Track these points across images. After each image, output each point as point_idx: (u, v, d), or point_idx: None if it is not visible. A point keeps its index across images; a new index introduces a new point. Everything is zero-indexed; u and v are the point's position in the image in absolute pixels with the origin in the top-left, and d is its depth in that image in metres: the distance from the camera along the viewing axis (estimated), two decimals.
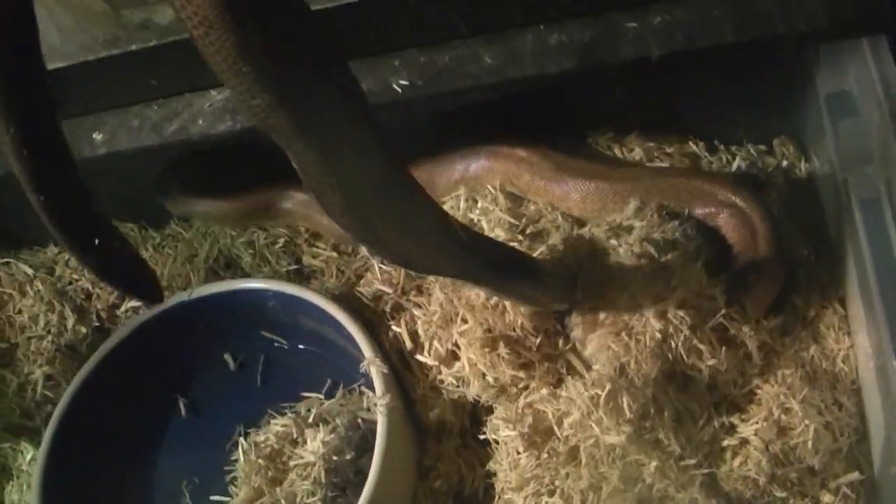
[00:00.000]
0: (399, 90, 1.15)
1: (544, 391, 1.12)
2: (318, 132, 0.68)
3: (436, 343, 1.17)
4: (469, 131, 1.30)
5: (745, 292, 1.12)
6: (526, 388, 1.14)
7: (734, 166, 1.30)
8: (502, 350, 1.12)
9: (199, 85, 1.23)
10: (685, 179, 1.21)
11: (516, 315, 1.13)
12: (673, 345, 1.06)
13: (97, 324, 1.47)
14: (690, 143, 1.31)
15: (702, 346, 1.07)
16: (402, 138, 1.23)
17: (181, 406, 1.36)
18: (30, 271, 1.52)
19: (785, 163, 1.30)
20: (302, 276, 1.37)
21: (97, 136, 1.27)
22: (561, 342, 1.14)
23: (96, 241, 0.86)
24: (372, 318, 1.24)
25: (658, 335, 1.05)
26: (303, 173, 0.72)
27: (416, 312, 1.21)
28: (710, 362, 1.07)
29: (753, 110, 1.30)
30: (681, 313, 1.06)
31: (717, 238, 1.18)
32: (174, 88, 1.24)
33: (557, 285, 1.10)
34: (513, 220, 1.22)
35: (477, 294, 1.13)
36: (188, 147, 1.23)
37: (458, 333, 1.15)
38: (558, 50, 1.12)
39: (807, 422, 1.07)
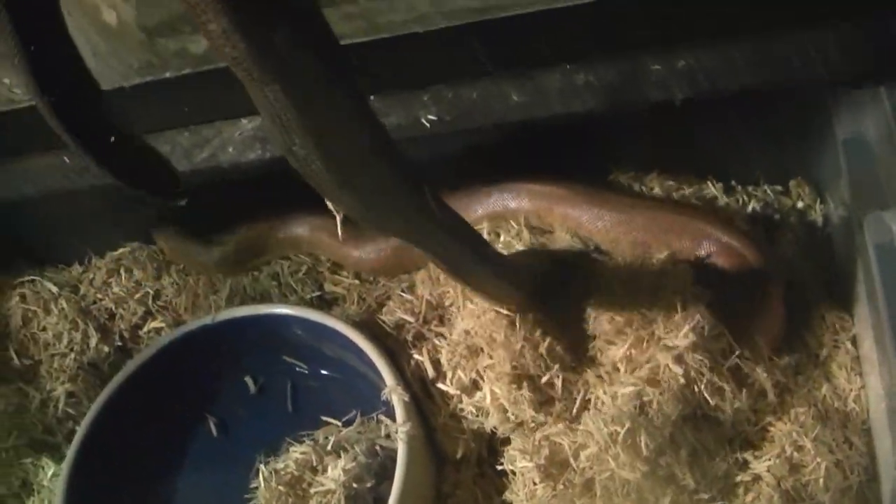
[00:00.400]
0: (427, 125, 1.17)
1: (561, 426, 1.14)
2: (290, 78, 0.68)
3: (459, 372, 1.19)
4: (494, 166, 1.32)
5: (753, 327, 1.14)
6: (543, 423, 1.16)
7: (750, 207, 1.32)
8: (525, 390, 1.14)
9: (230, 113, 1.26)
10: (690, 219, 1.24)
11: (540, 352, 1.15)
12: (696, 389, 1.08)
13: (119, 343, 1.49)
14: (708, 183, 1.34)
15: (725, 387, 1.09)
16: (429, 172, 1.26)
17: (211, 425, 1.38)
18: (54, 289, 1.54)
19: (800, 204, 1.33)
20: (324, 302, 1.40)
21: None
22: (581, 382, 1.16)
23: (111, 140, 0.84)
24: (394, 346, 1.26)
25: (682, 380, 1.08)
26: (273, 119, 0.72)
27: (438, 342, 1.23)
28: (736, 404, 1.09)
29: (771, 151, 1.33)
30: (698, 356, 1.08)
31: (719, 277, 1.21)
32: (205, 116, 1.27)
33: (519, 281, 1.11)
34: None
35: (502, 328, 1.15)
36: (218, 174, 1.25)
37: (484, 366, 1.17)
38: (585, 89, 1.15)
39: (818, 459, 1.09)
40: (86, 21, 1.18)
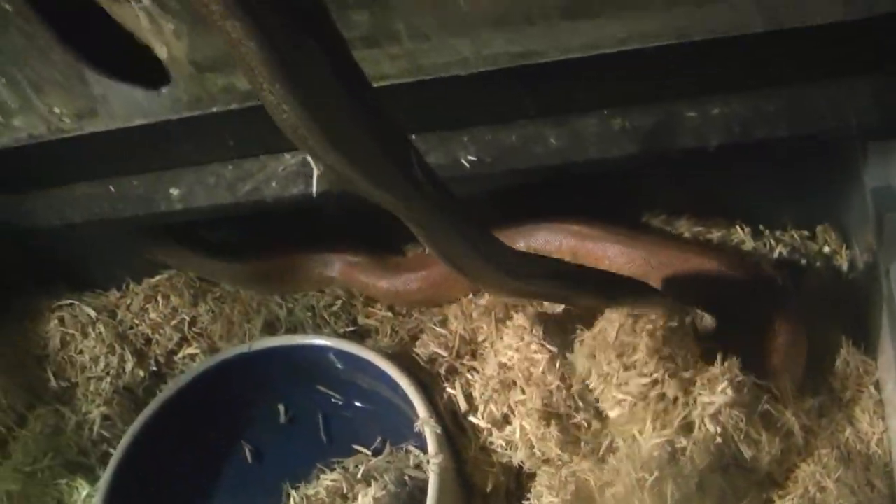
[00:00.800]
0: (467, 165, 1.20)
1: (588, 463, 1.17)
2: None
3: (491, 406, 1.21)
4: (530, 206, 1.35)
5: (777, 361, 1.17)
6: (569, 462, 1.18)
7: (777, 251, 1.35)
8: (554, 428, 1.16)
9: (274, 148, 1.29)
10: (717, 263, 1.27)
11: (571, 393, 1.17)
12: (732, 443, 1.10)
13: (154, 368, 1.53)
14: (737, 227, 1.36)
15: (760, 438, 1.11)
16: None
17: (247, 452, 1.40)
18: (92, 314, 1.57)
19: (827, 249, 1.36)
20: (357, 335, 1.42)
21: (174, 192, 1.33)
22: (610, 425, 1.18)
23: None
24: (426, 380, 1.28)
25: (718, 439, 1.09)
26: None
27: (470, 376, 1.26)
28: (772, 453, 1.11)
29: (799, 197, 1.36)
30: (735, 412, 1.10)
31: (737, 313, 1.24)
32: (250, 150, 1.30)
33: (525, 275, 1.04)
34: None
35: (536, 364, 1.18)
36: (261, 208, 1.28)
37: (516, 401, 1.19)
38: (621, 135, 1.18)
39: (840, 501, 1.11)
40: None
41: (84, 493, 1.42)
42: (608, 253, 1.31)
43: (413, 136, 1.25)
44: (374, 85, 1.15)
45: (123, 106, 1.29)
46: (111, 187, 1.38)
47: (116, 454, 1.33)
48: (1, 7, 1.24)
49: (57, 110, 1.33)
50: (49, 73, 1.29)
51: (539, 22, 1.14)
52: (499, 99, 1.20)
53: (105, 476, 1.31)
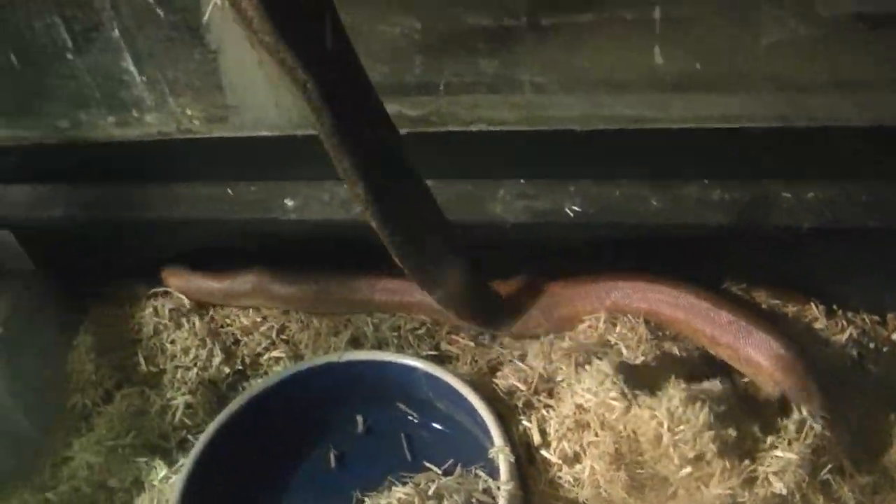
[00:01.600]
0: (570, 214, 1.27)
1: None
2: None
3: (564, 443, 1.27)
4: (618, 260, 1.41)
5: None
6: None
7: (847, 333, 1.40)
8: (623, 472, 1.21)
9: None
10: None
11: (643, 440, 1.23)
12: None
13: (240, 367, 1.59)
14: (812, 305, 1.42)
15: (815, 501, 1.16)
16: (560, 258, 1.36)
17: (331, 457, 1.45)
18: (188, 305, 1.65)
19: (895, 336, 1.41)
20: (438, 360, 1.47)
21: (289, 202, 1.40)
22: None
23: None
24: (503, 410, 1.34)
25: (780, 497, 1.15)
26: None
27: (546, 413, 1.32)
28: None
29: (874, 283, 1.40)
30: (801, 470, 1.16)
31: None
32: None
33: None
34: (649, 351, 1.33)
35: (612, 410, 1.24)
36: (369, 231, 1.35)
37: (588, 442, 1.25)
38: (718, 206, 1.24)
39: None
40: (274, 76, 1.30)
41: (161, 474, 1.46)
42: (682, 315, 1.36)
43: (521, 180, 1.32)
44: (491, 128, 1.25)
45: (253, 116, 1.38)
46: (229, 190, 1.46)
47: (200, 442, 1.38)
48: (153, 11, 1.33)
49: (189, 112, 1.42)
50: (189, 78, 1.38)
51: (654, 92, 1.21)
52: (608, 156, 1.26)
53: (188, 461, 1.37)
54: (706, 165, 1.26)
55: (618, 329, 1.37)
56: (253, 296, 1.60)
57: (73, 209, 1.55)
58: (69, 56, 1.42)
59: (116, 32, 1.37)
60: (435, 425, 1.44)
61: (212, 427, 1.40)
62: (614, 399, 1.24)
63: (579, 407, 1.28)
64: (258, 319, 1.62)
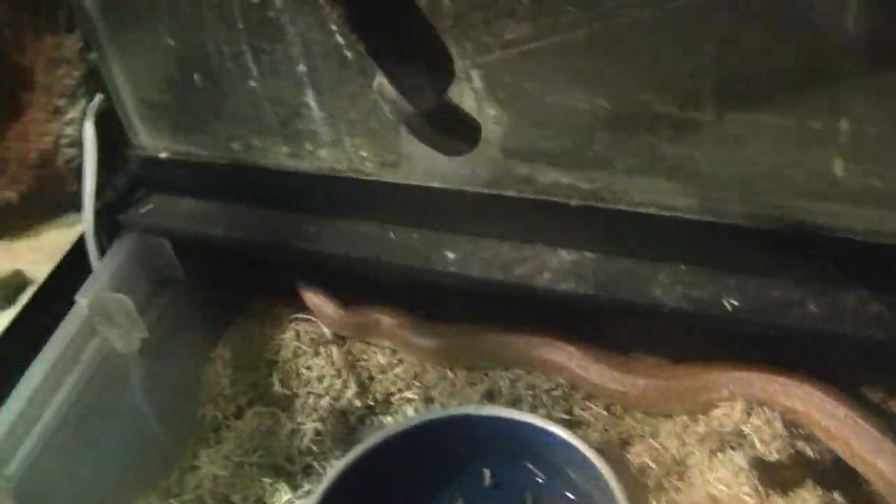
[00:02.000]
0: (728, 308, 1.28)
1: None
2: None
3: None
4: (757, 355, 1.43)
5: None
6: None
7: None
8: None
9: (551, 241, 1.39)
10: None
11: None
12: None
13: (371, 403, 1.63)
14: None
15: None
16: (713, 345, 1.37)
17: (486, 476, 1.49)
18: (328, 334, 1.70)
19: None
20: (569, 424, 1.49)
21: (450, 255, 1.43)
22: None
23: None
24: (633, 487, 1.36)
25: None
26: None
27: (675, 495, 1.34)
28: None
29: None
30: None
31: None
32: (528, 236, 1.40)
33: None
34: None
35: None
36: (528, 294, 1.38)
37: None
38: (877, 318, 1.24)
39: None
40: None
41: (285, 498, 1.51)
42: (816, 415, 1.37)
43: (683, 266, 1.34)
44: (662, 213, 1.27)
45: (425, 167, 1.42)
46: (392, 234, 1.50)
47: (332, 474, 1.42)
48: (341, 53, 1.38)
49: (363, 153, 1.46)
50: (367, 120, 1.43)
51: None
52: (763, 255, 1.28)
53: (317, 492, 1.40)
54: (866, 277, 1.26)
55: (752, 420, 1.38)
56: (382, 336, 1.66)
57: (233, 228, 1.60)
58: (252, 83, 1.48)
59: (303, 67, 1.42)
60: (563, 490, 1.45)
61: (344, 461, 1.44)
62: (748, 495, 1.26)
63: (711, 497, 1.29)
64: (395, 360, 1.66)
